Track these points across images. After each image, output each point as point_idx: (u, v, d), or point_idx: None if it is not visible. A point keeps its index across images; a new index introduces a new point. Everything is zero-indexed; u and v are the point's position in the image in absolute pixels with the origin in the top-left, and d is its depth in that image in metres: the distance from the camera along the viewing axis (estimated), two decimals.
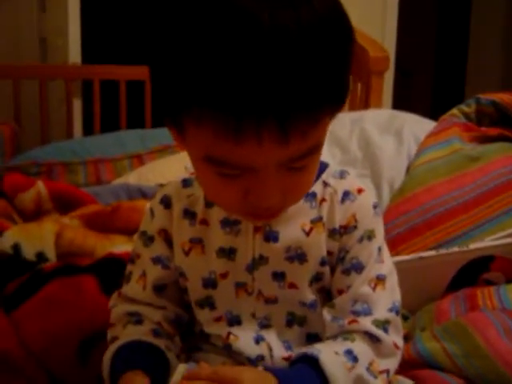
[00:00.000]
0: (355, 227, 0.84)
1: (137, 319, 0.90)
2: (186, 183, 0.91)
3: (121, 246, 1.37)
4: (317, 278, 0.85)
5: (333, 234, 0.85)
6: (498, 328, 0.94)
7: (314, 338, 0.87)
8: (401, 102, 2.60)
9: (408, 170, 1.66)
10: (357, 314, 0.83)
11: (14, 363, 1.03)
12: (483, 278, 1.20)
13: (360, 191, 0.86)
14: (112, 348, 0.86)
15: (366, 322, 0.83)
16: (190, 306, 0.92)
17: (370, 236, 0.85)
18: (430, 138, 1.66)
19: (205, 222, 0.87)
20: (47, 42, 2.88)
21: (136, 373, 0.81)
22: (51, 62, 2.87)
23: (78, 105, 2.80)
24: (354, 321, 0.83)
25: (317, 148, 0.75)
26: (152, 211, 0.91)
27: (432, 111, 1.97)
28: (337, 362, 0.78)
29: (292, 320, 0.86)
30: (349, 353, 0.80)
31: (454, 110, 1.73)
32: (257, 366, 0.84)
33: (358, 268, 0.84)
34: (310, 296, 0.85)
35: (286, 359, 0.85)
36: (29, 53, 2.88)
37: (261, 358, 0.85)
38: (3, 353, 1.04)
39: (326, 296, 0.87)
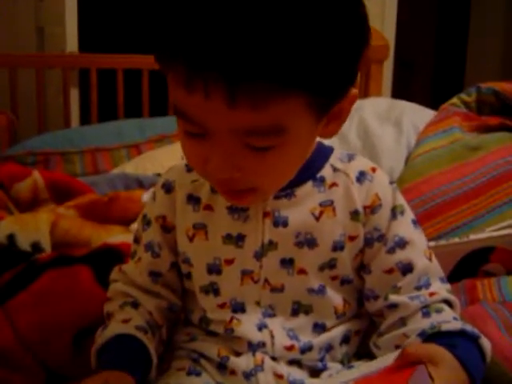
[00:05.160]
0: (380, 206, 0.84)
1: (133, 301, 0.90)
2: (189, 168, 0.90)
3: (117, 236, 1.36)
4: (330, 264, 0.84)
5: (355, 215, 0.84)
6: (498, 323, 0.92)
7: (320, 327, 0.86)
8: (401, 94, 2.58)
9: (407, 159, 1.65)
10: (419, 288, 0.83)
11: (11, 358, 1.02)
12: (483, 269, 1.19)
13: (374, 170, 0.86)
14: (100, 340, 0.84)
15: (442, 291, 0.84)
16: (188, 293, 0.91)
17: (402, 211, 0.85)
18: (430, 128, 1.65)
19: (209, 208, 0.86)
20: (44, 30, 2.86)
21: (123, 374, 0.79)
22: (48, 51, 2.85)
23: (75, 94, 2.78)
24: (433, 293, 0.83)
25: (281, 130, 0.70)
26: (154, 195, 0.91)
27: (432, 103, 1.95)
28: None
29: (297, 309, 0.85)
30: (456, 319, 0.81)
31: (454, 99, 1.72)
32: (256, 351, 0.83)
33: (401, 243, 0.84)
34: (318, 282, 0.84)
35: (287, 348, 0.84)
36: (26, 42, 2.86)
37: (262, 344, 0.84)
38: (1, 348, 1.02)
39: (343, 283, 0.86)
